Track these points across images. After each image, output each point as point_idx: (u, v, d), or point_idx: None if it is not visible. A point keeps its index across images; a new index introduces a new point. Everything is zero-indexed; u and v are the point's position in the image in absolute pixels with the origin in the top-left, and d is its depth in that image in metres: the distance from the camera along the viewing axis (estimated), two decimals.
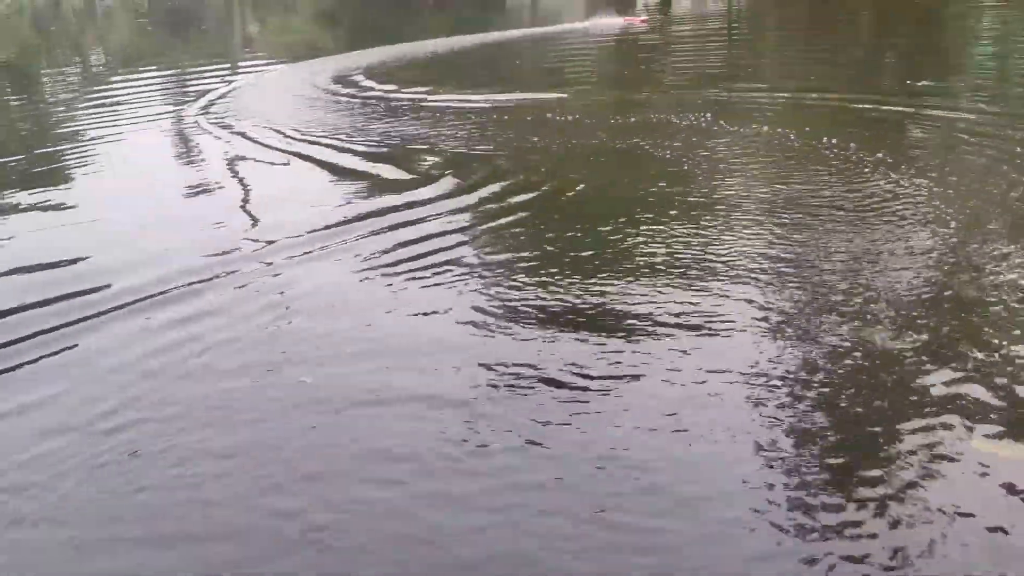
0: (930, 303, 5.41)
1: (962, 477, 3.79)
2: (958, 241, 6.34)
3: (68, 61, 23.10)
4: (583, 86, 14.27)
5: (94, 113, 14.13)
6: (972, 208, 7.04)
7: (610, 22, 19.88)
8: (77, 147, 11.62)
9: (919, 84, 12.30)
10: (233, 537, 3.72)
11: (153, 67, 19.46)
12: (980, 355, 4.76)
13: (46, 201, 8.97)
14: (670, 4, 26.66)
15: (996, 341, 4.90)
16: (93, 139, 12.00)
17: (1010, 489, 3.70)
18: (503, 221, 7.35)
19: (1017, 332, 5.01)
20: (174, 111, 13.83)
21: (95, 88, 17.62)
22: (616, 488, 3.88)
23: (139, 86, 17.00)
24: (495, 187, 8.32)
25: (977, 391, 4.39)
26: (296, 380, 4.89)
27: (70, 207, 8.79)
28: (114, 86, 17.76)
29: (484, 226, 7.27)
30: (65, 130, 13.10)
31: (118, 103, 15.02)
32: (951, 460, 3.90)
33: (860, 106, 11.02)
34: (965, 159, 8.71)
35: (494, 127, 11.11)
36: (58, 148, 11.70)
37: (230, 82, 16.15)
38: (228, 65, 18.99)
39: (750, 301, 5.54)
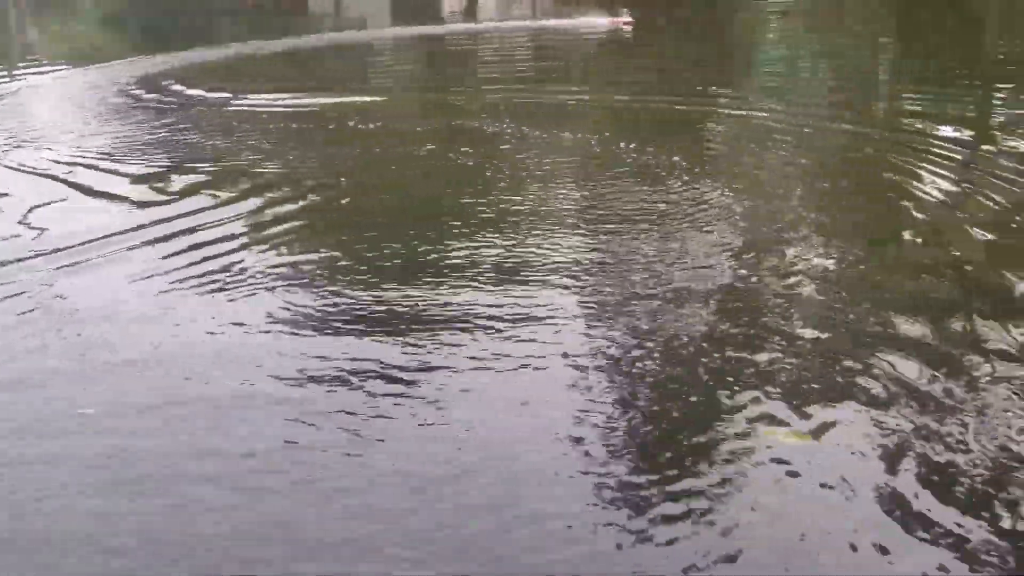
0: (732, 296, 5.60)
1: (759, 465, 3.90)
2: (756, 235, 6.60)
3: None
4: (395, 90, 14.22)
5: None
6: (767, 202, 7.39)
7: (596, 22, 18.38)
8: None
9: (714, 88, 12.69)
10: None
11: None
12: (778, 344, 4.94)
13: None
14: (476, 10, 26.65)
15: (791, 331, 5.12)
16: None
17: (798, 474, 3.81)
18: (285, 228, 7.13)
19: (810, 320, 5.26)
20: None
21: None
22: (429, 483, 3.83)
23: None
24: (283, 194, 8.05)
25: (775, 379, 4.58)
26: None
27: None
28: None
29: (266, 233, 7.00)
30: None
31: None
32: (749, 448, 4.02)
33: (662, 107, 11.31)
34: (763, 156, 9.07)
35: (293, 133, 10.77)
36: None
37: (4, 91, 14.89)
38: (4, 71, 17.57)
39: (555, 301, 5.58)
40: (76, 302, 5.76)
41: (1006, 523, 3.50)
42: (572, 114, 11.62)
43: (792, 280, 5.88)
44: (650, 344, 5.05)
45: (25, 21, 28.62)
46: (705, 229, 6.76)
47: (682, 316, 5.36)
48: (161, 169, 9.15)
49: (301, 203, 7.83)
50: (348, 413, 4.38)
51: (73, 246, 6.71)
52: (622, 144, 9.31)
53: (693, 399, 4.53)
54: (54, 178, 8.86)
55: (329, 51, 19.17)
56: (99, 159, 9.57)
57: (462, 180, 8.39)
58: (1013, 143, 9.52)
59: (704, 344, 5.03)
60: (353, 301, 5.68)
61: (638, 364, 4.84)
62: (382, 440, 4.20)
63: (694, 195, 7.60)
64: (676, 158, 8.66)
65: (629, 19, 17.14)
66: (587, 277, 5.97)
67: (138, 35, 23.59)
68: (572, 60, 17.16)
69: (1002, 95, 12.57)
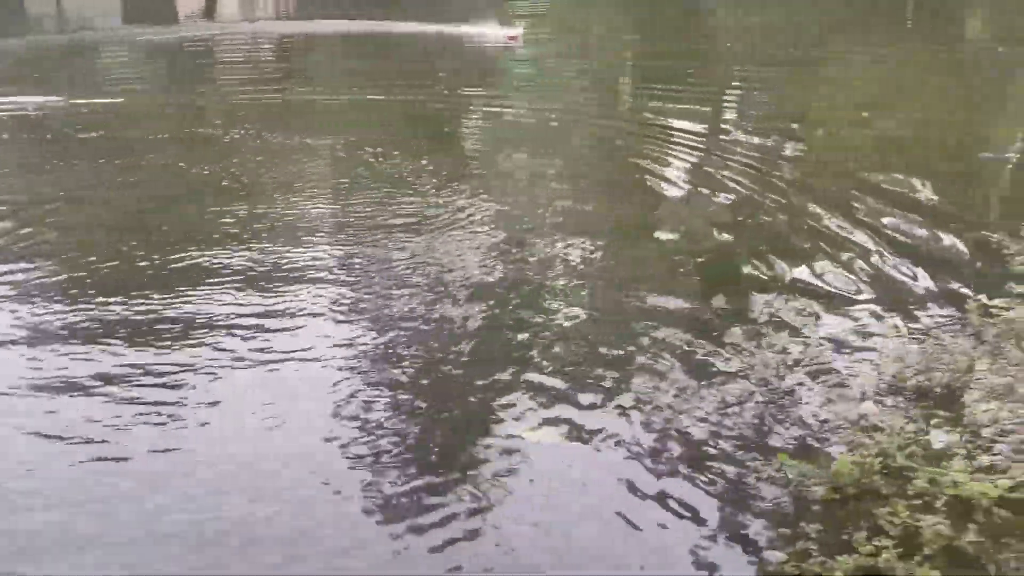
0: (492, 295, 5.77)
1: (511, 463, 4.08)
2: (512, 233, 6.82)
3: None
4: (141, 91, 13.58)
5: None
6: (522, 197, 7.77)
7: (486, 32, 15.93)
8: None
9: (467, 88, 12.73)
10: None
11: None
12: (530, 340, 5.19)
13: None
14: (214, 9, 25.55)
15: (548, 331, 5.34)
16: None
17: (552, 472, 4.05)
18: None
19: (566, 314, 5.51)
20: None
21: None
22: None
23: None
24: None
25: (526, 377, 4.77)
26: None
27: None
28: None
29: None
30: None
31: None
32: (502, 447, 4.19)
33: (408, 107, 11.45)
34: (517, 153, 9.17)
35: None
36: None
37: None
38: None
39: (300, 305, 5.60)
40: None
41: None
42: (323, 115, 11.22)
43: (546, 274, 6.11)
44: (402, 346, 5.16)
45: None
46: (459, 229, 6.89)
47: (433, 317, 5.50)
48: None
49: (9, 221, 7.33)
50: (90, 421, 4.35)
51: None
52: (369, 148, 9.14)
53: (446, 396, 4.67)
54: None
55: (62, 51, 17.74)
56: None
57: (197, 190, 8.14)
58: (743, 135, 10.47)
59: (455, 341, 5.19)
60: (74, 314, 5.51)
61: (390, 365, 4.94)
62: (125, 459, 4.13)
63: (448, 194, 7.79)
64: (426, 161, 8.74)
65: (515, 33, 14.84)
66: (345, 283, 6.01)
67: None
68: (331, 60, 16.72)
69: (735, 92, 13.72)
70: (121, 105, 12.11)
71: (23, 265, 6.31)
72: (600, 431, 4.30)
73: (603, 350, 5.05)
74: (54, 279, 6.08)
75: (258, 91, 12.96)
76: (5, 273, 6.15)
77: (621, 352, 5.07)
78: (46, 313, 5.52)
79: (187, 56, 17.37)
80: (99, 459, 4.09)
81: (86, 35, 20.47)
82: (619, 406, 4.48)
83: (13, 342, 5.17)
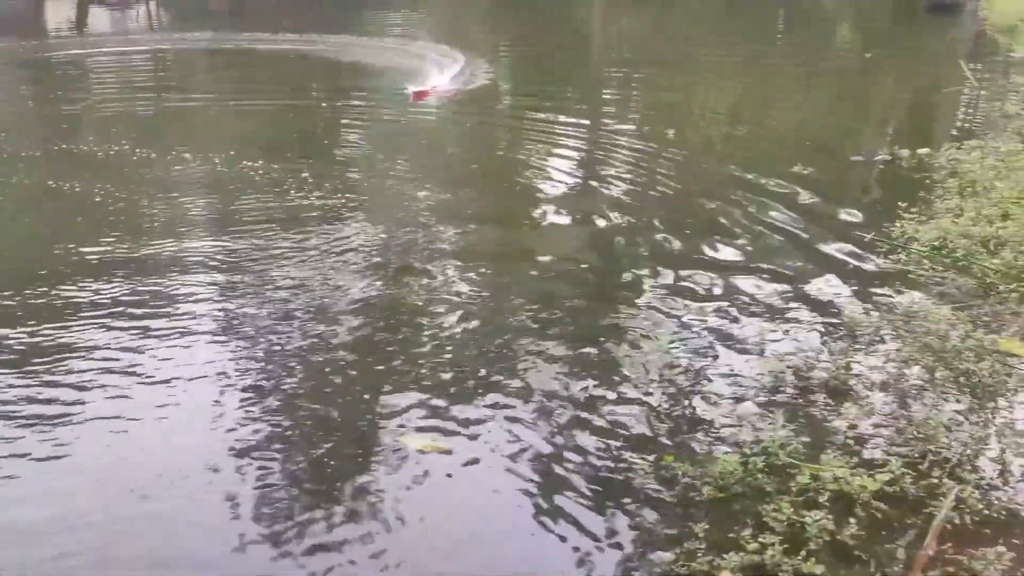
0: (372, 306, 5.75)
1: (402, 471, 4.08)
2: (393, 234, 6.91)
3: None
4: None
5: None
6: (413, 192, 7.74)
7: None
8: None
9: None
10: None
11: None
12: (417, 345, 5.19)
13: None
14: (85, 21, 24.66)
15: (420, 333, 5.37)
16: None
17: (442, 477, 4.06)
18: None
19: (449, 315, 5.56)
20: None
21: None
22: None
23: None
24: None
25: (410, 386, 4.76)
26: None
27: None
28: None
29: None
30: None
31: None
32: (391, 459, 4.18)
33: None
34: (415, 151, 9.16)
35: None
36: None
37: None
38: None
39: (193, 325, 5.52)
40: None
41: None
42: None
43: (428, 275, 6.17)
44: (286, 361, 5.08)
45: None
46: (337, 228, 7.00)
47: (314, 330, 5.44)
48: None
49: None
50: None
51: None
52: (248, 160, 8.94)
53: (331, 407, 4.61)
54: None
55: None
56: None
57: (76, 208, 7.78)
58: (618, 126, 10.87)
59: (342, 343, 5.22)
60: None
61: (273, 384, 4.84)
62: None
63: (319, 195, 7.84)
64: (304, 164, 8.64)
65: (425, 89, 11.84)
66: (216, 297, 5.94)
67: None
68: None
69: (609, 91, 14.06)
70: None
71: None
72: (484, 439, 4.27)
73: (485, 352, 5.04)
74: None
75: (134, 101, 12.56)
76: None
77: (503, 356, 5.04)
78: None
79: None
80: None
81: None
82: (504, 415, 4.44)
83: None
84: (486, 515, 3.86)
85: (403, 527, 3.71)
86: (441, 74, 12.86)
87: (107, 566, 3.55)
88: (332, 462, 4.13)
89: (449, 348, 5.14)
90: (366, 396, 4.66)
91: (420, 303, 5.74)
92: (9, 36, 20.39)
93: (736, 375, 4.74)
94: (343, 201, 7.75)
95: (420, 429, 4.35)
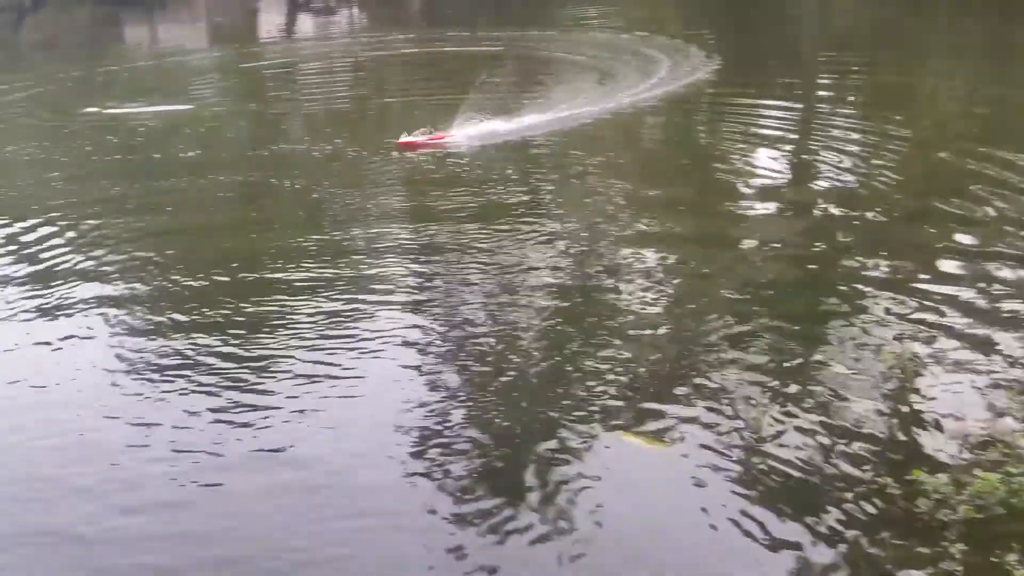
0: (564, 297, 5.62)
1: (615, 466, 3.94)
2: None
3: None
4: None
5: None
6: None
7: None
8: None
9: None
10: None
11: None
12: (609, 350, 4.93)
13: None
14: (294, 27, 25.83)
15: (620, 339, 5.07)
16: None
17: (654, 474, 3.91)
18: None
19: (646, 313, 5.33)
20: None
21: None
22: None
23: None
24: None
25: (613, 382, 4.57)
26: None
27: None
28: None
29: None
30: None
31: None
32: (597, 450, 4.05)
33: None
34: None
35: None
36: None
37: None
38: None
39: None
40: None
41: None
42: None
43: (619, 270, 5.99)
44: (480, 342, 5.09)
45: None
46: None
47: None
48: None
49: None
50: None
51: None
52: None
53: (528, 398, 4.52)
54: None
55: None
56: None
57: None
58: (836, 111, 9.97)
59: (546, 342, 5.07)
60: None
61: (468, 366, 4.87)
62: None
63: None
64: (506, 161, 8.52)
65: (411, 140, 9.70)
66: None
67: None
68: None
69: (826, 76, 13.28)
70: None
71: (120, 283, 6.39)
72: (691, 436, 4.07)
73: (688, 345, 4.85)
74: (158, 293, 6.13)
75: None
76: (105, 295, 6.20)
77: (707, 351, 4.82)
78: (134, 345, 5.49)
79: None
80: None
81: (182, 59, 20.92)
82: (711, 412, 4.23)
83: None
84: (698, 518, 3.63)
85: (605, 519, 3.61)
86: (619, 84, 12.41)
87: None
88: (531, 456, 4.05)
89: (651, 341, 4.98)
90: (566, 384, 4.56)
91: (621, 295, 5.60)
92: (228, 43, 21.64)
93: (986, 386, 4.30)
94: (545, 196, 7.71)
95: (623, 424, 4.21)
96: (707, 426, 4.14)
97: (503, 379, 4.68)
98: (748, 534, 3.48)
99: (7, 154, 10.85)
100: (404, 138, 9.23)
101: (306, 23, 26.85)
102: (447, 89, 12.31)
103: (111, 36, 25.45)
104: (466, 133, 9.39)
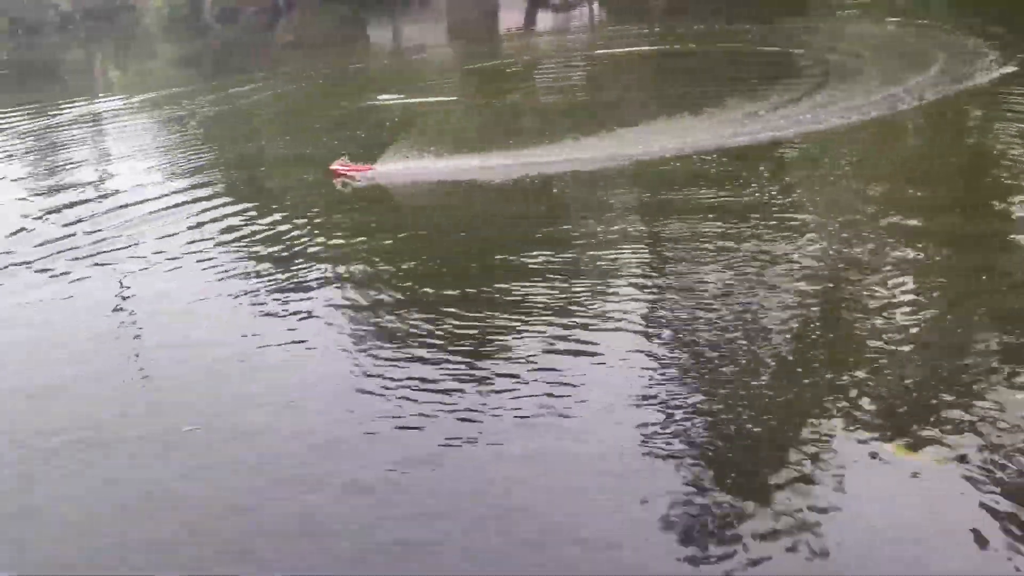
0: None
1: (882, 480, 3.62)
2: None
3: None
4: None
5: None
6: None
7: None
8: None
9: None
10: None
11: None
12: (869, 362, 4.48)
13: None
14: (533, 23, 25.84)
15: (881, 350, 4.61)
16: None
17: (922, 488, 3.57)
18: None
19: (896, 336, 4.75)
20: None
21: None
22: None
23: None
24: None
25: (871, 393, 4.18)
26: None
27: None
28: None
29: None
30: None
31: None
32: (853, 461, 3.72)
33: None
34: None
35: None
36: None
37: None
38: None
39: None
40: None
41: None
42: None
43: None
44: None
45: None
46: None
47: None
48: None
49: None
50: None
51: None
52: None
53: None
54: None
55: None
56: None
57: None
58: None
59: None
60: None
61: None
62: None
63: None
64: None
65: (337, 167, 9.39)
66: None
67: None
68: None
69: None
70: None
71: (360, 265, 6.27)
72: (952, 450, 3.66)
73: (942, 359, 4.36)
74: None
75: None
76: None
77: (981, 366, 4.28)
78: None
79: None
80: None
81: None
82: (972, 428, 3.77)
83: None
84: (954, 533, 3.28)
85: (853, 530, 3.31)
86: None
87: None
88: (773, 456, 3.79)
89: (913, 347, 4.52)
90: (816, 387, 4.23)
91: (881, 296, 5.08)
92: (468, 40, 21.89)
93: None
94: (801, 195, 7.12)
95: (877, 433, 3.85)
96: (972, 443, 3.72)
97: (745, 374, 4.40)
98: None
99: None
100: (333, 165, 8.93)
101: (546, 20, 26.79)
102: (691, 89, 11.76)
103: (356, 36, 26.47)
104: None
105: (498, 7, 28.37)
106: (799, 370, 4.39)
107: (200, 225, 7.77)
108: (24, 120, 15.78)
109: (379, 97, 13.82)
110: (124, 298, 6.22)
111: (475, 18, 27.80)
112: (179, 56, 27.76)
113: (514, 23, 26.40)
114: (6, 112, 16.88)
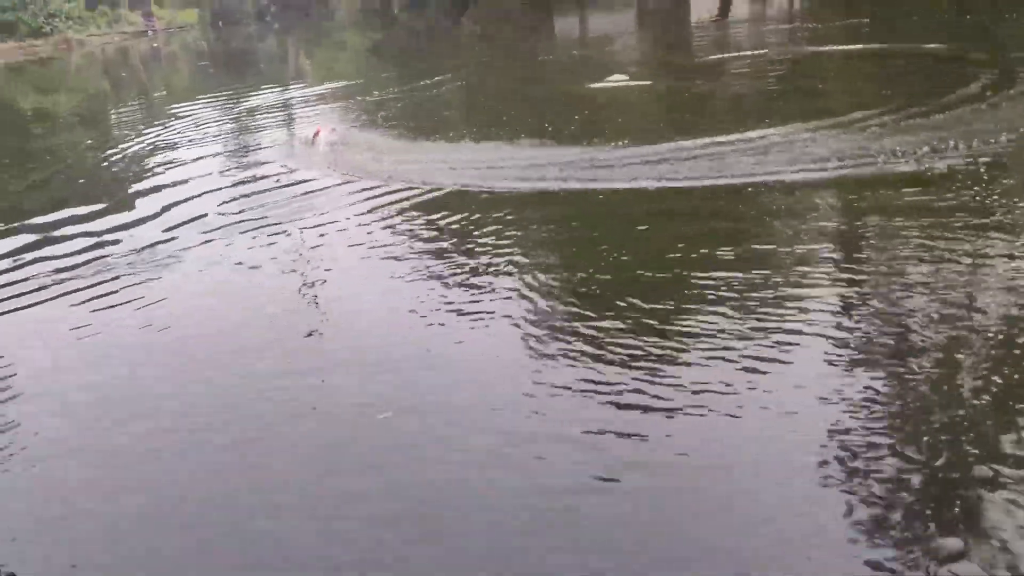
0: None
1: None
2: None
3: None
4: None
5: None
6: None
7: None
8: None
9: None
10: None
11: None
12: None
13: None
14: (728, 11, 24.69)
15: None
16: None
17: None
18: None
19: None
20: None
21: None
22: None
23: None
24: None
25: None
26: None
27: None
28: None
29: None
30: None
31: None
32: None
33: None
34: None
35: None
36: None
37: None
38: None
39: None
40: None
41: None
42: None
43: None
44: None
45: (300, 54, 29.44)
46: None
47: None
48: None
49: None
50: None
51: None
52: None
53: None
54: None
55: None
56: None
57: None
58: None
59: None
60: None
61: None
62: None
63: None
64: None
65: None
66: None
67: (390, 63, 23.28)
68: None
69: None
70: None
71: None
72: None
73: None
74: None
75: None
76: None
77: None
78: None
79: None
80: None
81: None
82: None
83: None
84: None
85: None
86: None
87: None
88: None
89: None
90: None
91: None
92: (658, 29, 21.12)
93: None
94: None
95: None
96: None
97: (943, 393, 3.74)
98: None
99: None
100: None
101: (741, 7, 25.59)
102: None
103: (540, 26, 26.14)
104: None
105: None
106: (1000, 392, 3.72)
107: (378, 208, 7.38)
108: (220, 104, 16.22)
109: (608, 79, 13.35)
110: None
111: (665, 7, 26.99)
112: (369, 46, 28.21)
113: (707, 11, 25.40)
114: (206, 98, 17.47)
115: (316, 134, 9.92)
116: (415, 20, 32.42)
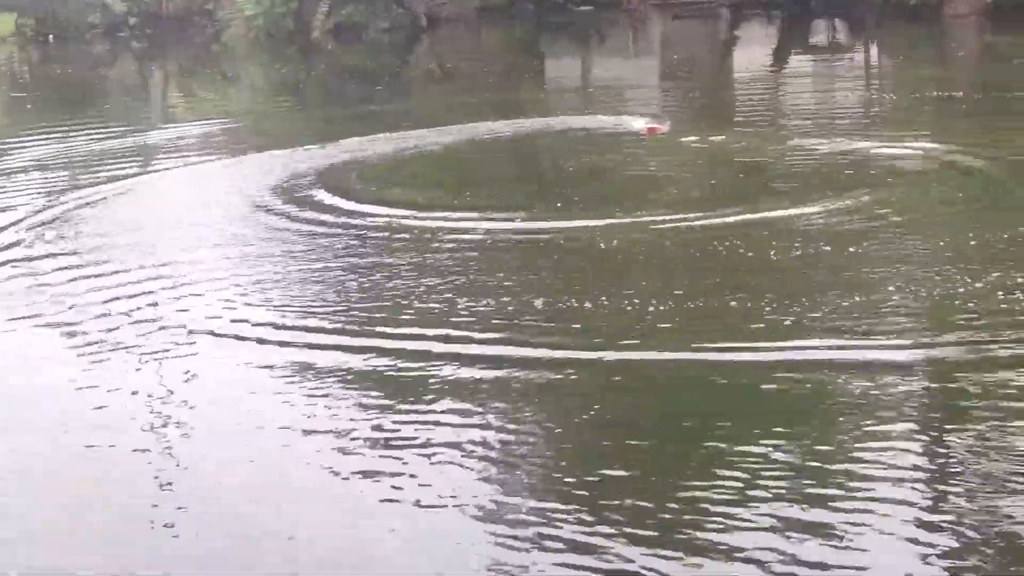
0: None
1: None
2: None
3: None
4: None
5: None
6: None
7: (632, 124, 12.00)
8: None
9: None
10: None
11: None
12: None
13: None
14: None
15: None
16: None
17: None
18: None
19: None
20: None
21: None
22: None
23: None
24: None
25: None
26: None
27: None
28: None
29: None
30: None
31: None
32: None
33: None
34: None
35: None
36: None
37: None
38: None
39: None
40: None
41: None
42: None
43: None
44: None
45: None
46: None
47: None
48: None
49: None
50: None
51: None
52: None
53: None
54: None
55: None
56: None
57: None
58: None
59: None
60: None
61: None
62: None
63: None
64: None
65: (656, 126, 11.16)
66: None
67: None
68: None
69: None
70: None
71: None
72: None
73: None
74: None
75: None
76: None
77: None
78: None
79: None
80: None
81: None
82: None
83: None
84: None
85: None
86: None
87: None
88: None
89: None
90: None
91: None
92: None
93: None
94: None
95: None
96: None
97: None
98: None
99: None
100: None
101: (801, 61, 19.29)
102: None
103: (523, 68, 19.40)
104: None
105: (734, 42, 20.95)
106: None
107: None
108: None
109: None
110: None
111: (700, 54, 20.45)
112: (275, 81, 20.69)
113: (753, 62, 19.04)
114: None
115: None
116: (346, 51, 24.30)
